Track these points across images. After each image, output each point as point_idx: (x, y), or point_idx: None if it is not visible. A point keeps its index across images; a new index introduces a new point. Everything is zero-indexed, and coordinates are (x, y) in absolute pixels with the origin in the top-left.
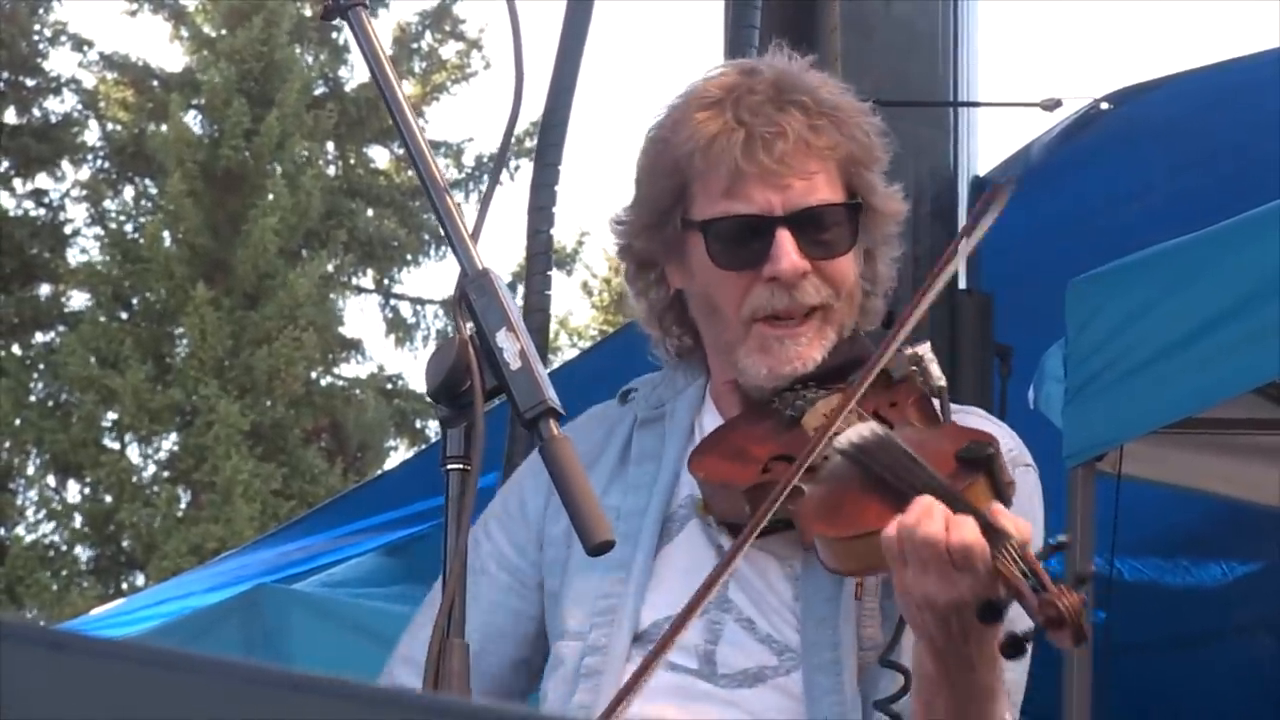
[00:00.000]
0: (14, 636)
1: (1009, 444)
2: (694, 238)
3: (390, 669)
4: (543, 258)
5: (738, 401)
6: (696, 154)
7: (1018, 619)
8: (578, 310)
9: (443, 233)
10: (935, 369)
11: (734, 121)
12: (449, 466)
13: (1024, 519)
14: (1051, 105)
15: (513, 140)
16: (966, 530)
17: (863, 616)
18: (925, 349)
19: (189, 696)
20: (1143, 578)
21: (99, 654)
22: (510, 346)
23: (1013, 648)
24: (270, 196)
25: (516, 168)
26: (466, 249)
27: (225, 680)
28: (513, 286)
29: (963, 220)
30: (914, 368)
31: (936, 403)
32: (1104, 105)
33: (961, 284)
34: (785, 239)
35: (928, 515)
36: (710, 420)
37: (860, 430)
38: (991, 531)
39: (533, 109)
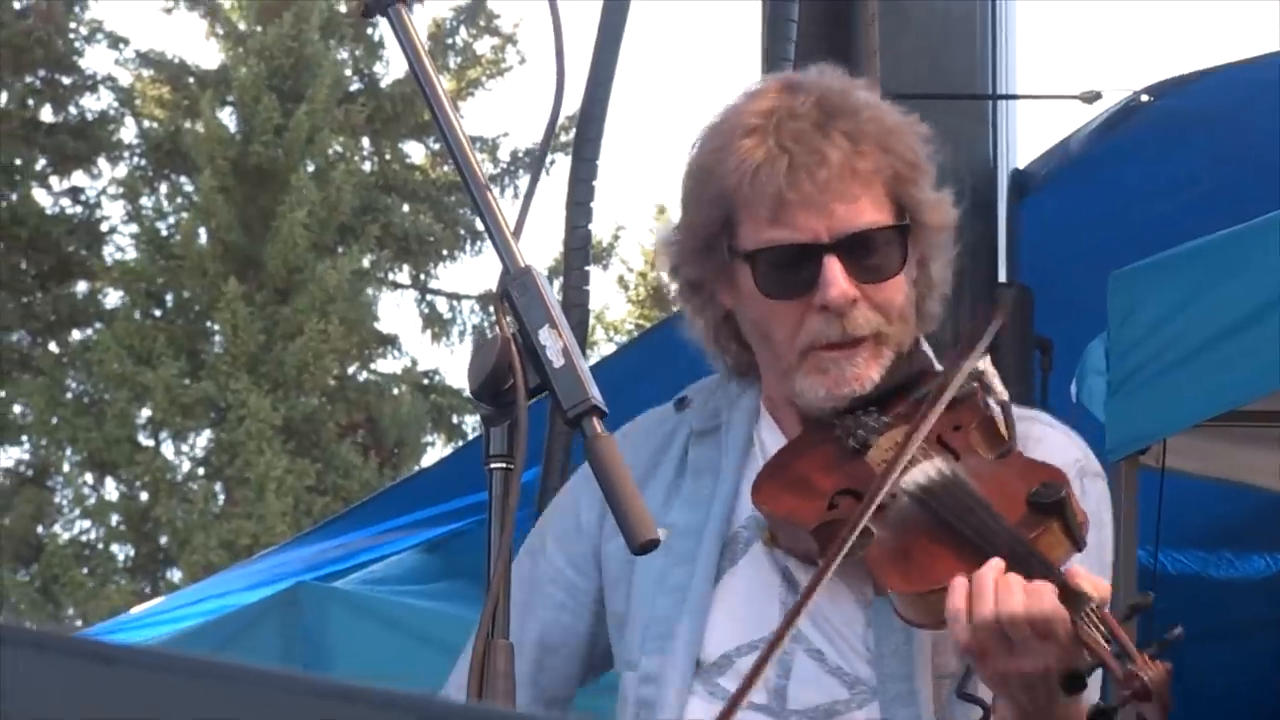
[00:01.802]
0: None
1: (1076, 454)
2: (742, 267)
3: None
4: (580, 253)
5: (796, 417)
6: (741, 183)
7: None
8: (614, 304)
9: (484, 229)
10: (998, 384)
11: (777, 149)
12: (492, 465)
13: (1103, 543)
14: (1091, 97)
15: (559, 138)
16: (1045, 600)
17: (938, 644)
18: (986, 363)
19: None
20: (1186, 570)
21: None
22: (553, 344)
23: (1099, 717)
24: (300, 191)
25: (552, 162)
26: (508, 246)
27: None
28: (549, 280)
29: (1003, 212)
30: (976, 384)
31: (1001, 419)
32: (1144, 98)
33: (1001, 276)
34: (833, 266)
35: (1005, 587)
36: (769, 434)
37: (927, 471)
38: (1071, 596)
39: (570, 103)
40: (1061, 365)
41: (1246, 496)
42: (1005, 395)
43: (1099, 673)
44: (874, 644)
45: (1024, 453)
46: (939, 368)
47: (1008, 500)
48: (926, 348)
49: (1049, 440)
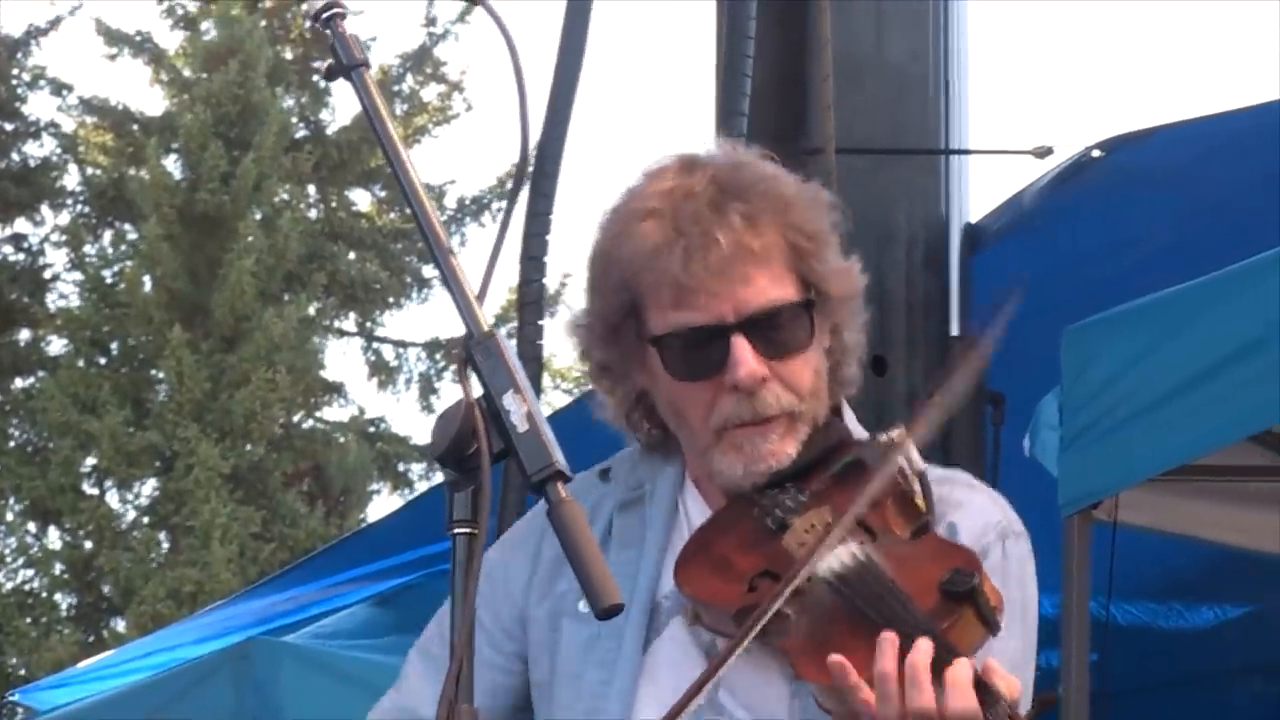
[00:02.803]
0: None
1: (998, 516)
2: (651, 351)
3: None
4: (534, 307)
5: (718, 486)
6: (641, 269)
7: None
8: (561, 352)
9: (450, 295)
10: (915, 454)
11: (673, 232)
12: (456, 530)
13: (1026, 602)
14: (1043, 153)
15: (505, 185)
16: (962, 693)
17: None
18: (901, 434)
19: None
20: (1136, 621)
21: None
22: (517, 409)
23: None
24: (247, 239)
25: (499, 209)
26: (472, 311)
27: None
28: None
29: (954, 266)
30: (893, 456)
31: (919, 490)
32: (1095, 153)
33: (954, 331)
34: (740, 346)
35: (915, 677)
36: (694, 503)
37: (841, 557)
38: (983, 691)
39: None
40: (1014, 420)
41: (1197, 549)
42: (922, 465)
43: None
44: (799, 714)
45: (945, 517)
46: (858, 435)
47: (921, 587)
48: (847, 412)
49: (969, 504)
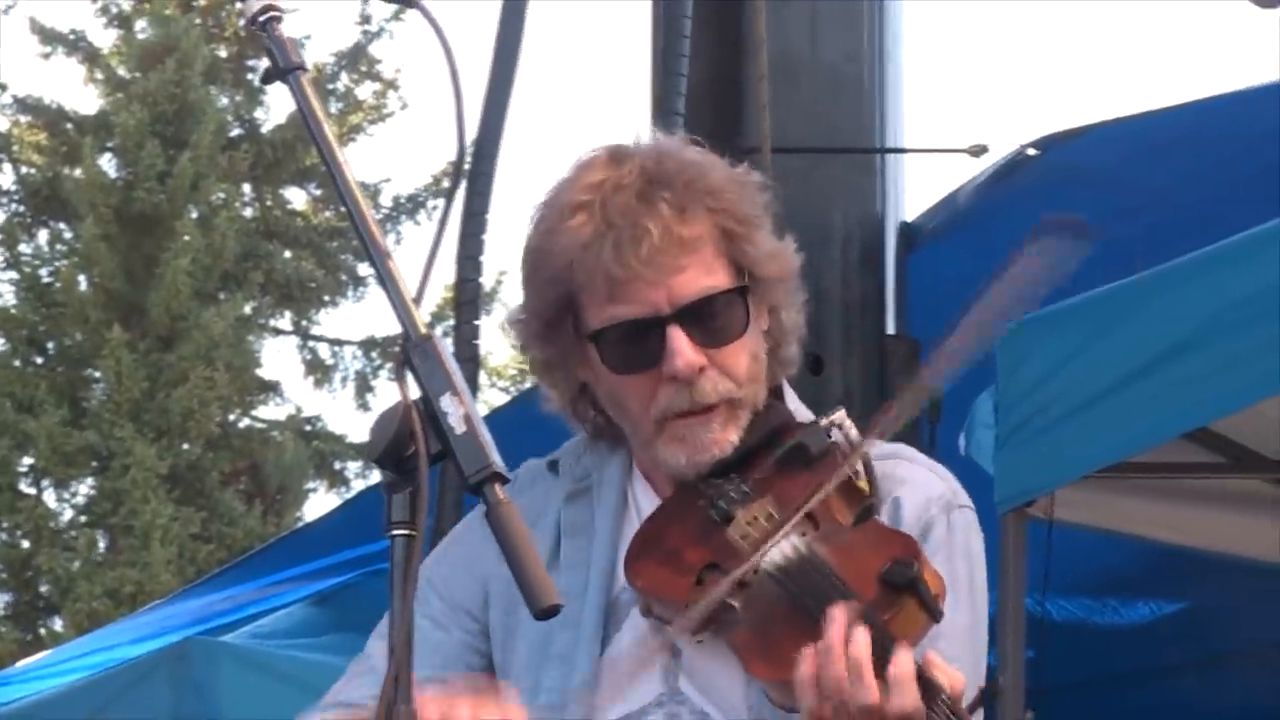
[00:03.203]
0: None
1: (942, 488)
2: (588, 345)
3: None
4: (470, 306)
5: (665, 476)
6: (573, 264)
7: None
8: (497, 349)
9: (388, 298)
10: (854, 432)
11: (604, 225)
12: (394, 532)
13: (974, 573)
14: (978, 151)
15: (441, 183)
16: (906, 691)
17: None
18: (841, 416)
19: None
20: (1072, 618)
21: None
22: (454, 411)
23: None
24: (184, 239)
25: (434, 207)
26: (410, 314)
27: None
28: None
29: (890, 265)
30: (830, 440)
31: (863, 473)
32: (1030, 151)
33: (890, 329)
34: (676, 336)
35: (859, 679)
36: (642, 491)
37: (784, 549)
38: (925, 686)
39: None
40: (950, 418)
41: (1132, 546)
42: (865, 448)
43: None
44: (756, 702)
45: (890, 494)
46: (801, 416)
47: (862, 578)
48: (789, 393)
49: (912, 480)
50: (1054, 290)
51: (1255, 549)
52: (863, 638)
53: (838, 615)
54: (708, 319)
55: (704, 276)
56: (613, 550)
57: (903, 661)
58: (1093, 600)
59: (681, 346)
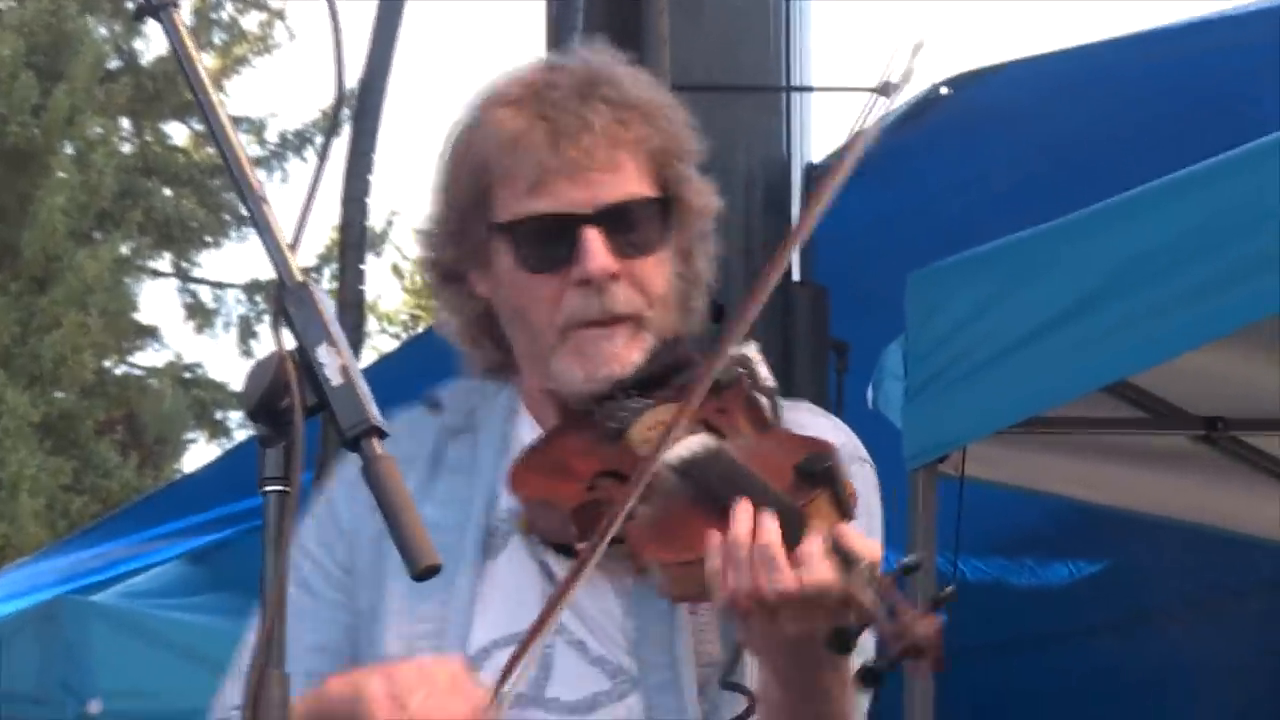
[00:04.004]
0: None
1: (842, 439)
2: (500, 242)
3: (223, 690)
4: (356, 250)
5: (554, 410)
6: (500, 154)
7: (870, 644)
8: (388, 294)
9: (261, 243)
10: (764, 370)
11: (536, 116)
12: (267, 488)
13: (872, 530)
14: (888, 90)
15: (328, 126)
16: (816, 565)
17: (700, 632)
18: (752, 350)
19: None
20: (986, 578)
21: None
22: (331, 362)
23: (868, 679)
24: (59, 175)
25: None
26: (284, 259)
27: None
28: (319, 270)
29: (796, 209)
30: (741, 370)
31: (767, 405)
32: (943, 90)
33: (795, 276)
34: (594, 238)
35: (765, 552)
36: (526, 429)
37: (689, 444)
38: (841, 556)
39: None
40: (858, 369)
41: (1049, 504)
42: (772, 383)
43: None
44: (634, 633)
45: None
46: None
47: (774, 471)
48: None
49: (814, 427)
50: (967, 236)
51: (1176, 508)
52: (771, 523)
53: (744, 504)
54: (627, 227)
55: (634, 181)
56: (494, 483)
57: (814, 540)
58: (1008, 560)
59: (597, 249)
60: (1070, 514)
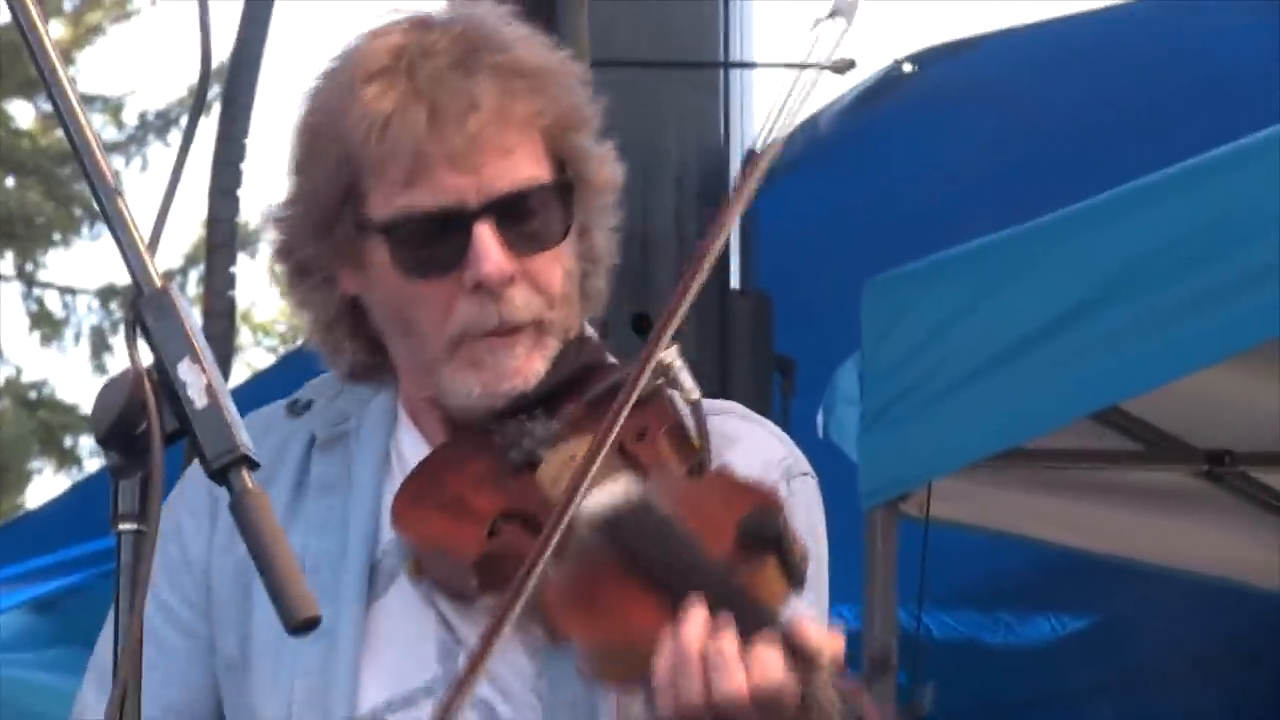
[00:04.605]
0: None
1: (782, 452)
2: (373, 242)
3: None
4: (225, 251)
5: (441, 422)
6: (368, 140)
7: None
8: (262, 301)
9: (115, 242)
10: (687, 377)
11: (412, 94)
12: (121, 527)
13: (817, 589)
14: (844, 66)
15: (194, 105)
16: (771, 670)
17: (626, 695)
18: (672, 354)
19: None
20: (956, 635)
21: None
22: (195, 381)
23: None
24: None
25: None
26: (142, 261)
27: None
28: (184, 272)
29: None
30: (660, 379)
31: (693, 422)
32: (906, 67)
33: (734, 282)
34: (485, 235)
35: (718, 656)
36: (409, 442)
37: (611, 493)
38: (798, 655)
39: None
40: (806, 390)
41: (1027, 550)
42: (696, 393)
43: None
44: (547, 693)
45: (720, 453)
46: (613, 361)
47: (712, 529)
48: (591, 336)
49: (748, 439)
50: (933, 236)
51: (1175, 554)
52: (728, 626)
53: (696, 605)
54: (523, 219)
55: (528, 165)
56: (374, 507)
57: (767, 636)
58: (981, 614)
59: (490, 248)
60: (1053, 561)
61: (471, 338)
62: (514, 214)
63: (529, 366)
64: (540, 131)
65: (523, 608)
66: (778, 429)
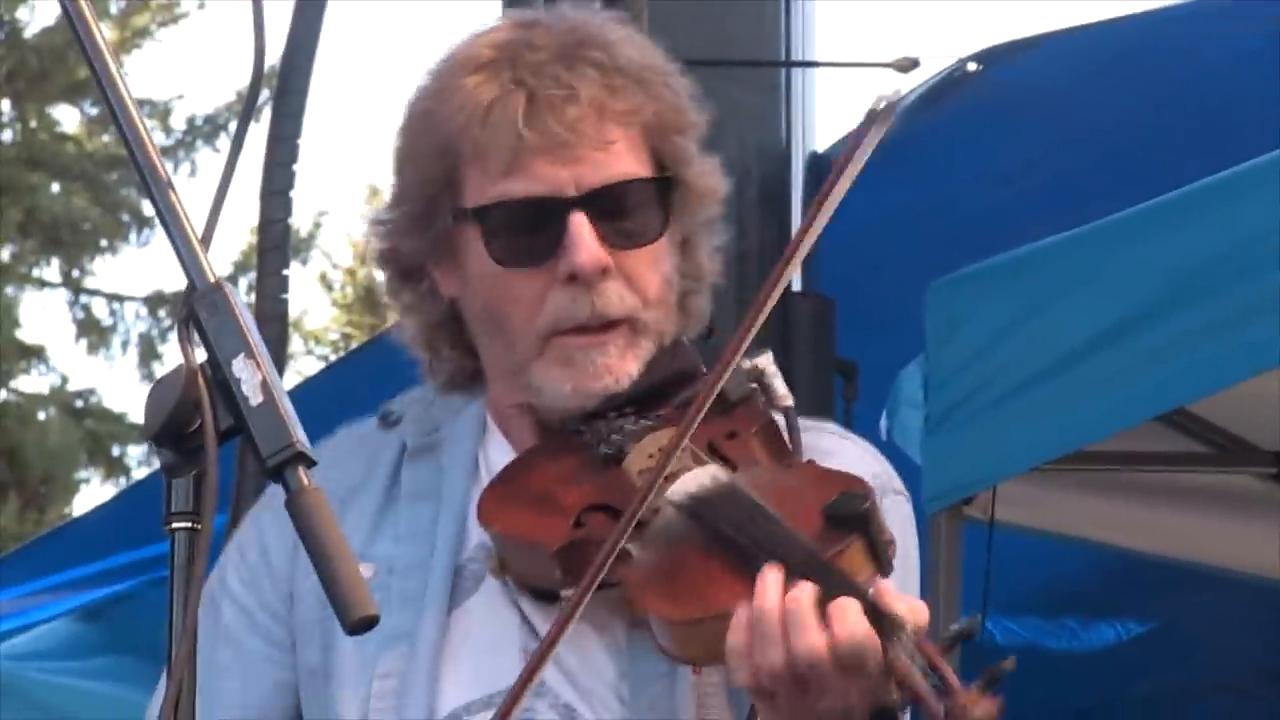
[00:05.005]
0: None
1: (875, 468)
2: (469, 231)
3: None
4: (278, 254)
5: (531, 427)
6: (469, 127)
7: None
8: (315, 308)
9: (168, 238)
10: (780, 385)
11: (513, 84)
12: (174, 525)
13: (908, 581)
14: (907, 66)
15: (245, 109)
16: (852, 627)
17: (705, 697)
18: (766, 360)
19: None
20: (1019, 641)
21: None
22: (250, 378)
23: None
24: None
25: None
26: (195, 259)
27: None
28: (234, 280)
29: (798, 206)
30: (754, 385)
31: (784, 426)
32: (971, 66)
33: (796, 285)
34: (581, 225)
35: (798, 618)
36: (498, 451)
37: (699, 477)
38: (881, 620)
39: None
40: (869, 395)
41: (1091, 553)
42: (790, 400)
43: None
44: (629, 695)
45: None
46: (706, 370)
47: (799, 512)
48: (688, 344)
49: (842, 453)
50: (996, 239)
51: (1243, 559)
52: (804, 587)
53: (772, 571)
54: (620, 213)
55: (627, 160)
56: (462, 515)
57: (849, 600)
58: (1044, 620)
59: (585, 238)
60: (1117, 565)
61: (563, 333)
62: (611, 207)
63: (622, 367)
64: (641, 129)
65: (599, 596)
66: (873, 447)
